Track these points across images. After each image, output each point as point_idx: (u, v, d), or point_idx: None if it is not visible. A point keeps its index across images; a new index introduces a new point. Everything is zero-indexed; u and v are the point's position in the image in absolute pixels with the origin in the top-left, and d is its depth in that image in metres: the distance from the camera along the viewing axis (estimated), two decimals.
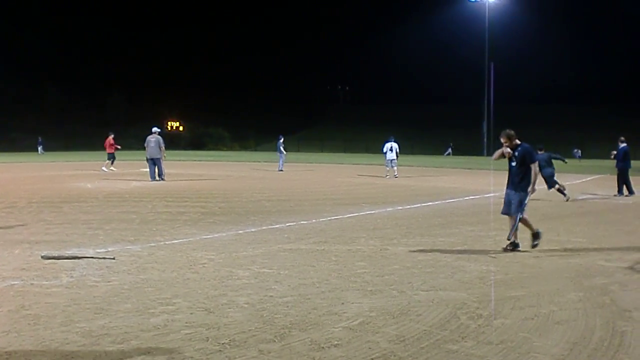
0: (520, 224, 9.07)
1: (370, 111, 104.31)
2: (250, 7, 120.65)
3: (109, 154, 28.94)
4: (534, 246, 9.14)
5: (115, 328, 5.14)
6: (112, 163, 28.81)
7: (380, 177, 26.68)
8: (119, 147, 29.65)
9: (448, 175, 30.01)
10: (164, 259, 8.14)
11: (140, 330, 5.08)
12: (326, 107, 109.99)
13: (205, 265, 7.80)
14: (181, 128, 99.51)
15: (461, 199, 17.76)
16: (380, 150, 28.76)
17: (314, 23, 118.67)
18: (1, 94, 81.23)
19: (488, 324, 5.41)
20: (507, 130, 9.35)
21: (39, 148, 59.96)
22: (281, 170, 31.56)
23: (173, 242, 9.46)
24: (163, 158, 23.28)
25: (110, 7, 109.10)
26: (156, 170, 22.84)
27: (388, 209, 14.50)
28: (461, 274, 7.48)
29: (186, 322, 5.33)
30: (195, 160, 41.99)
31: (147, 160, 23.23)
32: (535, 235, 9.24)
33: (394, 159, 26.70)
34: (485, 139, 70.49)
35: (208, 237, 10.10)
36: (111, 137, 28.94)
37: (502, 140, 9.33)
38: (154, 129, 23.64)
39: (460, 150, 71.97)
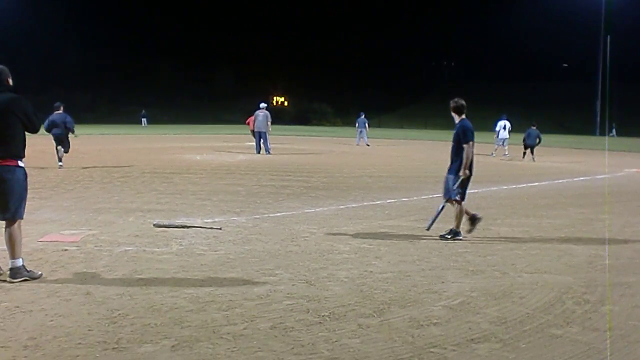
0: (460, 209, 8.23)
1: (476, 88, 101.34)
2: None
3: None
4: (469, 231, 8.25)
5: (220, 295, 5.35)
6: None
7: (485, 155, 26.03)
8: None
9: (557, 155, 28.86)
10: (267, 231, 8.36)
11: (244, 299, 5.27)
12: (430, 83, 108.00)
13: (307, 238, 7.95)
14: (286, 103, 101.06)
15: (570, 179, 17.07)
16: (490, 128, 28.20)
17: None
18: (114, 69, 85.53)
19: (595, 310, 5.21)
20: (455, 100, 8.46)
21: (143, 120, 62.74)
22: (368, 145, 32.06)
23: (276, 214, 9.68)
24: (269, 132, 23.82)
25: None
26: (262, 143, 23.43)
27: (492, 188, 14.16)
28: (568, 257, 7.22)
29: (288, 293, 5.47)
30: (299, 135, 42.56)
31: (254, 133, 23.83)
32: (473, 220, 8.28)
33: (506, 138, 26.03)
34: (598, 118, 67.13)
35: (310, 211, 10.26)
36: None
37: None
38: (262, 104, 24.16)
39: (571, 130, 68.95)
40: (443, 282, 5.95)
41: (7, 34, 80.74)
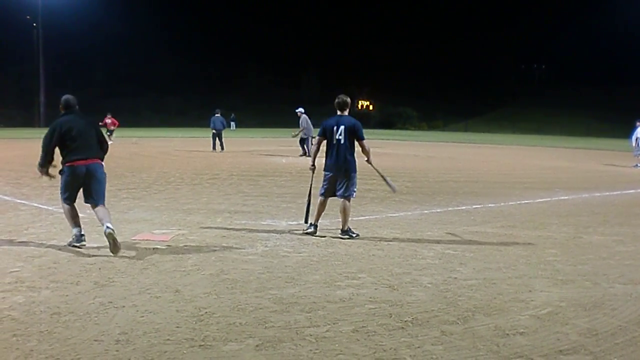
0: None
1: (568, 92, 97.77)
2: None
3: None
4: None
5: (304, 297, 5.41)
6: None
7: (574, 161, 25.11)
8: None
9: None
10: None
11: (327, 301, 5.30)
12: (519, 87, 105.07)
13: (390, 242, 7.91)
14: (371, 107, 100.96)
15: None
16: (582, 134, 27.08)
17: None
18: (204, 74, 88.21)
19: None
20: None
21: (232, 124, 64.23)
22: None
23: (360, 218, 9.69)
24: (296, 135, 24.44)
25: None
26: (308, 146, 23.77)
27: (584, 195, 13.64)
28: None
29: (370, 297, 5.46)
30: (383, 139, 42.45)
31: (310, 138, 24.10)
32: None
33: None
34: None
35: (394, 215, 10.21)
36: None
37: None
38: (300, 109, 24.35)
39: None
40: (530, 291, 5.78)
41: (107, 43, 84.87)
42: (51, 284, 5.68)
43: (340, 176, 8.26)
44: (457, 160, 25.14)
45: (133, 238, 7.77)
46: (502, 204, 11.91)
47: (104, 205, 7.23)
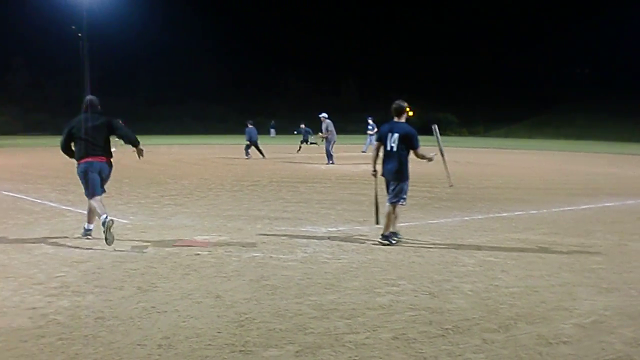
0: None
1: (612, 97, 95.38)
2: None
3: None
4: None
5: (343, 304, 5.41)
6: None
7: (619, 167, 24.57)
8: None
9: None
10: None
11: (366, 308, 5.30)
12: (561, 92, 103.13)
13: (431, 249, 7.86)
14: (410, 113, 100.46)
15: None
16: (629, 139, 26.40)
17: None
18: (245, 81, 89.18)
19: None
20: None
21: (271, 131, 64.66)
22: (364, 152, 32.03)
23: (399, 225, 9.61)
24: (325, 141, 24.00)
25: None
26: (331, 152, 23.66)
27: (629, 202, 13.33)
28: None
29: (410, 304, 5.43)
30: (423, 145, 41.80)
31: (332, 143, 23.96)
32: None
33: None
34: None
35: (434, 222, 10.14)
36: None
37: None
38: (323, 114, 24.23)
39: None
40: (574, 299, 5.68)
41: (150, 52, 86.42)
42: (96, 289, 5.81)
43: (392, 182, 8.23)
44: (498, 166, 24.83)
45: (175, 244, 7.89)
46: (544, 210, 11.71)
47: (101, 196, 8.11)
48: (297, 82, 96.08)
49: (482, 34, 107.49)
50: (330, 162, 23.38)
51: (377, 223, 8.55)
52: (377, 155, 8.49)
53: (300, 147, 30.45)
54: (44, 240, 8.15)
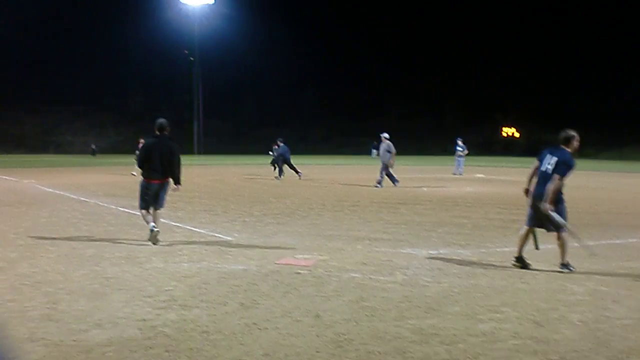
0: None
1: None
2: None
3: None
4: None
5: (444, 329, 5.31)
6: None
7: None
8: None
9: None
10: (493, 265, 8.14)
11: (467, 335, 5.17)
12: None
13: (537, 276, 7.59)
14: (516, 134, 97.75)
15: None
16: None
17: None
18: (349, 102, 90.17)
19: None
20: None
21: (373, 152, 64.76)
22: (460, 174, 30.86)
23: (504, 249, 9.37)
24: (389, 164, 22.45)
25: (441, 18, 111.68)
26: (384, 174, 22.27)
27: None
28: None
29: (514, 333, 5.26)
30: (530, 168, 40.49)
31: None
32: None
33: None
34: None
35: (540, 247, 9.76)
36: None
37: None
38: (385, 134, 22.88)
39: None
40: None
41: (255, 76, 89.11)
42: (201, 303, 6.00)
43: (538, 207, 7.98)
44: (610, 190, 23.65)
45: (277, 262, 8.03)
46: None
47: (159, 210, 9.75)
48: (398, 103, 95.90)
49: (593, 51, 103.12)
50: (380, 185, 22.11)
51: (537, 248, 8.28)
52: (533, 174, 8.32)
53: (275, 167, 28.24)
54: (154, 254, 8.53)
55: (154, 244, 9.23)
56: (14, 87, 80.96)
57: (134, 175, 24.64)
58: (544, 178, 8.01)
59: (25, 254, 8.48)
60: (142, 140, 29.34)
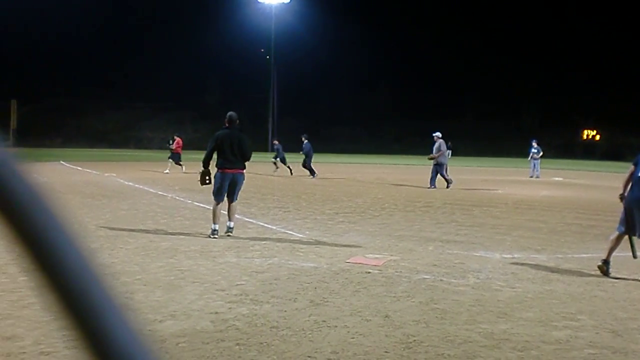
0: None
1: None
2: None
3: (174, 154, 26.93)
4: None
5: (516, 335, 5.19)
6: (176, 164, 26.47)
7: None
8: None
9: None
10: (570, 272, 7.90)
11: (541, 342, 5.04)
12: None
13: (615, 284, 7.31)
14: (597, 137, 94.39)
15: None
16: None
17: None
18: (424, 101, 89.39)
19: None
20: None
21: (449, 152, 64.02)
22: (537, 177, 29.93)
23: (581, 255, 9.09)
24: (435, 161, 21.63)
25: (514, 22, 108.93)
26: (437, 175, 21.44)
27: None
28: None
29: (590, 341, 5.09)
30: (610, 172, 39.34)
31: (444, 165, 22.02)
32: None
33: None
34: None
35: (620, 254, 9.38)
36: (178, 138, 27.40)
37: None
38: (437, 134, 22.09)
39: None
40: None
41: (330, 74, 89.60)
42: (272, 299, 6.09)
43: (637, 212, 7.68)
44: None
45: (347, 261, 8.05)
46: None
47: (235, 203, 9.97)
48: (474, 103, 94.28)
49: None
50: (450, 184, 21.45)
51: (635, 257, 7.91)
52: (628, 180, 8.01)
53: (276, 166, 27.07)
54: (227, 249, 8.71)
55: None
56: (99, 84, 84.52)
57: (167, 173, 25.15)
58: (638, 183, 7.66)
59: (105, 245, 8.81)
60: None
